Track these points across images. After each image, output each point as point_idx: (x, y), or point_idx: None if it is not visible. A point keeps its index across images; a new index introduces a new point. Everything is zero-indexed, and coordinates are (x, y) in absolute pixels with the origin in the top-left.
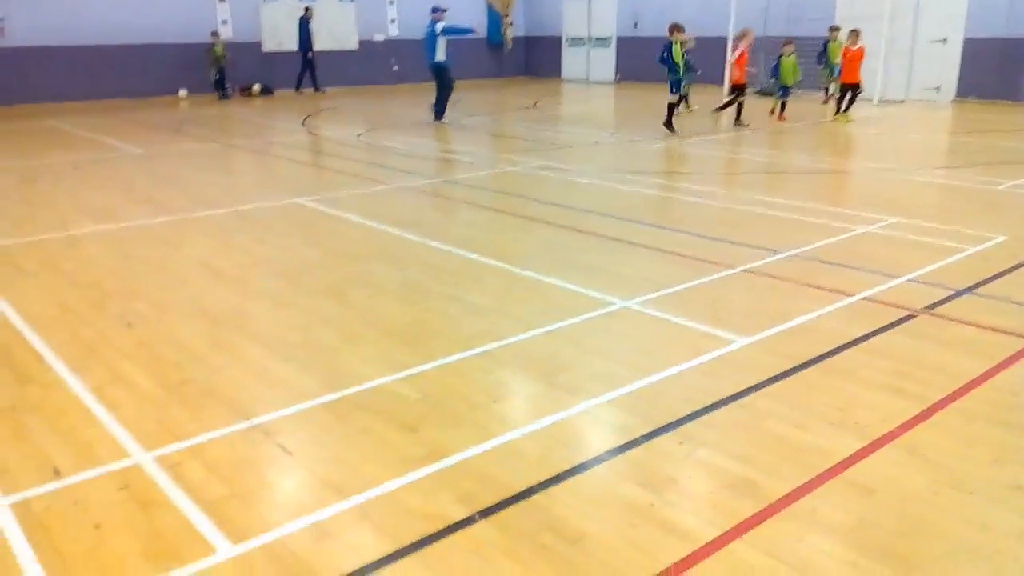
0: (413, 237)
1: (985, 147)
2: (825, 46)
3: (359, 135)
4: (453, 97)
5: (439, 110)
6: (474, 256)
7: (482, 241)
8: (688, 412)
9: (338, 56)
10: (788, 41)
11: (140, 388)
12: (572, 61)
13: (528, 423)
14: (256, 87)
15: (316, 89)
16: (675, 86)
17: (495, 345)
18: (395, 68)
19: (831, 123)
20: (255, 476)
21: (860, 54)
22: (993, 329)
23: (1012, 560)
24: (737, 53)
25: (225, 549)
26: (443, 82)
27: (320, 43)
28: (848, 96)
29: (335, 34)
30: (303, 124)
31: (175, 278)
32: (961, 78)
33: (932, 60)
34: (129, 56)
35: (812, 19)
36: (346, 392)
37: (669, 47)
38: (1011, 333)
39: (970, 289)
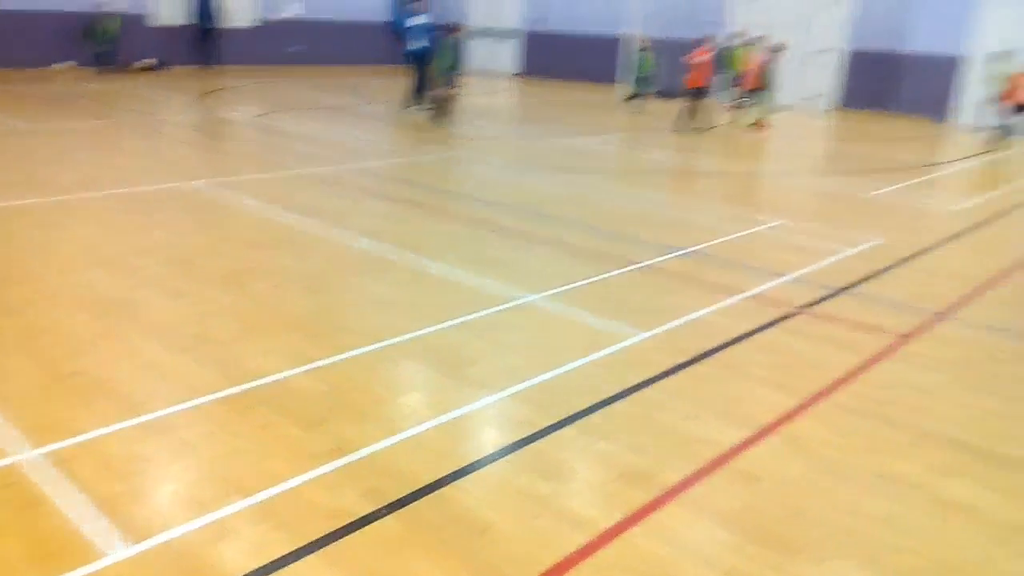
0: (317, 225)
1: (864, 154)
2: (727, 52)
3: (259, 116)
4: (352, 82)
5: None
6: (380, 247)
7: (388, 232)
8: (588, 405)
9: (238, 33)
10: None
11: (27, 380)
12: (476, 52)
13: (434, 417)
14: (147, 62)
15: (212, 65)
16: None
17: (401, 338)
18: (293, 49)
19: (728, 128)
20: (151, 473)
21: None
22: (866, 327)
23: (880, 543)
24: (697, 53)
25: (121, 549)
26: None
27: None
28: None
29: (234, 9)
30: (198, 103)
31: (61, 263)
32: (843, 88)
33: (817, 69)
34: (11, 24)
35: (707, 22)
36: (247, 386)
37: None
38: (881, 331)
39: (846, 289)
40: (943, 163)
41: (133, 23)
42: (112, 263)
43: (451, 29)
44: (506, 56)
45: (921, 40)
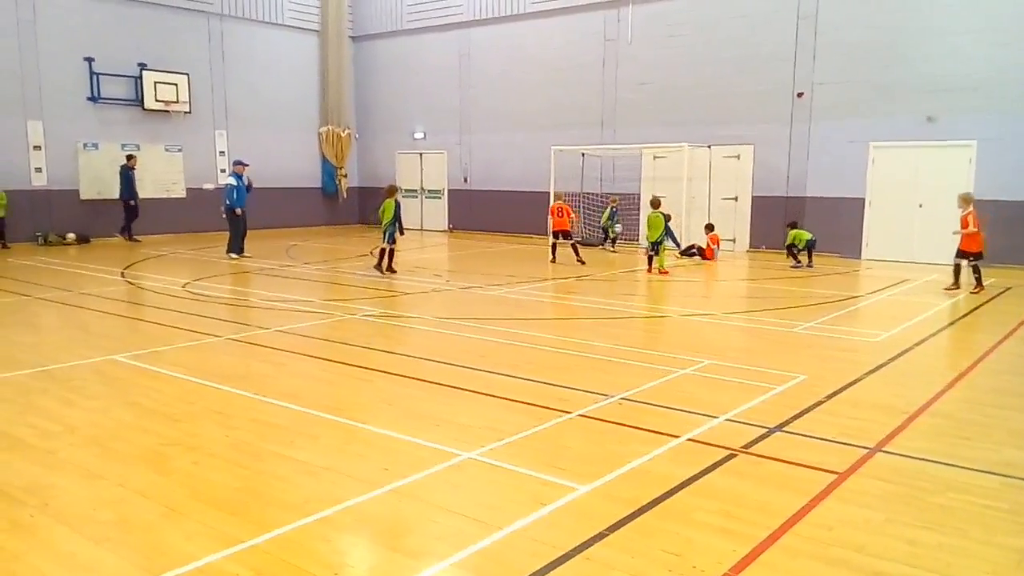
0: (242, 392)
1: (779, 292)
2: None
3: (185, 285)
4: (285, 244)
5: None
6: (308, 411)
7: (317, 394)
8: (536, 568)
9: (164, 204)
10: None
11: None
12: (407, 211)
13: None
14: (71, 236)
15: (129, 238)
16: (388, 236)
17: (334, 509)
18: (224, 216)
19: (644, 273)
20: None
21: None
22: (804, 465)
23: None
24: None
25: None
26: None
27: (144, 191)
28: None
29: (161, 182)
30: (122, 274)
31: None
32: (752, 231)
33: (726, 215)
34: None
35: (624, 179)
36: (167, 575)
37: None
38: (819, 468)
39: (780, 427)
40: (860, 296)
41: (60, 198)
42: (24, 447)
43: (389, 191)
44: (437, 213)
45: (822, 185)
